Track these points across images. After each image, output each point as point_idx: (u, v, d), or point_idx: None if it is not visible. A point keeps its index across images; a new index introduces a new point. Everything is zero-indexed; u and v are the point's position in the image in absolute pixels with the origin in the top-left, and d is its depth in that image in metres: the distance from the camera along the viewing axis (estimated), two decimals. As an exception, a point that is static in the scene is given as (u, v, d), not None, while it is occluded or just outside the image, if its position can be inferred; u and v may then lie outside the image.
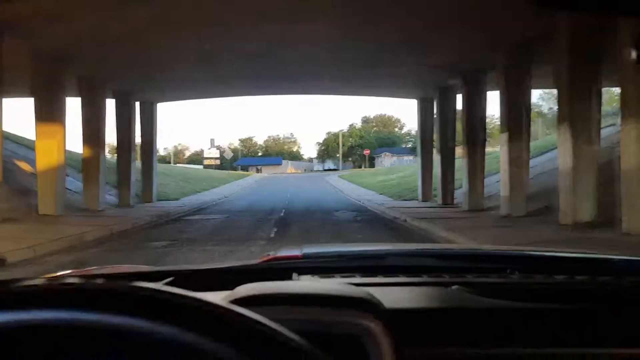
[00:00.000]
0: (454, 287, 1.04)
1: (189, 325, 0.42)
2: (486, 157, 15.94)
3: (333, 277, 1.17)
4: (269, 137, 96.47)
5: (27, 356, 0.42)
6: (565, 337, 0.84)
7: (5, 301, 0.43)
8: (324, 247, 1.56)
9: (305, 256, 1.35)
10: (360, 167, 69.10)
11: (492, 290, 1.00)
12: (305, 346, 0.44)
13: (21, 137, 20.54)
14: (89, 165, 15.96)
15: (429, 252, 1.58)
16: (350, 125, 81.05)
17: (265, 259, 1.36)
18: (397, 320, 0.78)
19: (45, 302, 0.42)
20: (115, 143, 19.85)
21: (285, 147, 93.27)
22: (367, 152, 69.35)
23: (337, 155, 76.73)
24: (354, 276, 1.16)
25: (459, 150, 17.30)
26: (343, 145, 75.52)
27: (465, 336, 0.84)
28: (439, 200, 17.81)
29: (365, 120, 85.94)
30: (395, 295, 0.94)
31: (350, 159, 77.12)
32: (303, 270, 1.20)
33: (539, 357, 0.82)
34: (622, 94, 9.66)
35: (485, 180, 15.71)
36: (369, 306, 0.79)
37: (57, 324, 0.41)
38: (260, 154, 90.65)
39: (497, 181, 14.44)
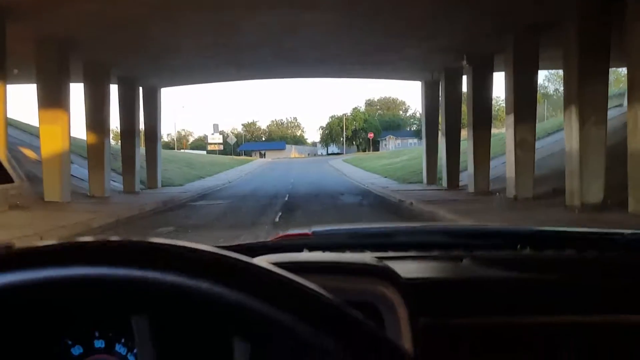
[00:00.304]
0: (465, 260, 1.04)
1: (232, 283, 0.41)
2: (491, 139, 15.84)
3: (344, 253, 1.16)
4: (272, 121, 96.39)
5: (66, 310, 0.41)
6: (575, 306, 0.85)
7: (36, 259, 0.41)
8: (333, 226, 1.55)
9: (315, 234, 1.34)
10: (364, 150, 68.97)
11: (503, 263, 1.00)
12: (342, 303, 0.43)
13: (25, 124, 20.56)
14: (93, 152, 15.94)
15: (439, 229, 1.58)
16: (354, 109, 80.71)
17: (276, 237, 1.36)
18: (412, 290, 0.79)
19: (85, 258, 0.41)
20: (118, 130, 19.83)
21: (289, 131, 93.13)
22: (371, 135, 69.09)
23: (341, 139, 76.55)
24: (364, 252, 1.15)
25: (464, 133, 17.21)
26: (347, 129, 75.29)
27: (477, 306, 0.85)
28: (444, 183, 17.75)
29: (369, 104, 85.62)
30: (408, 268, 0.94)
31: (354, 142, 76.94)
32: (313, 248, 1.19)
33: (549, 325, 0.83)
34: (630, 76, 9.56)
35: (491, 162, 15.64)
36: (387, 275, 0.80)
37: (107, 279, 0.40)
38: (263, 138, 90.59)
39: (503, 163, 14.37)
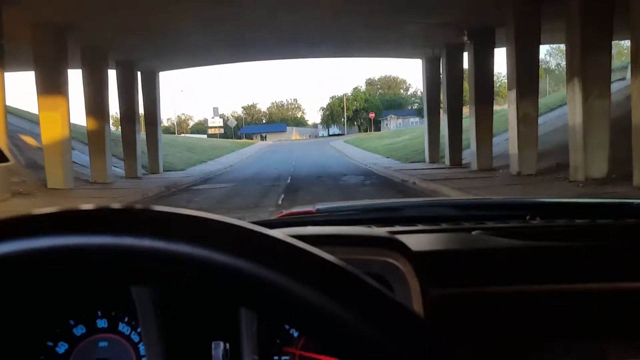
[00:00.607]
0: (474, 232, 1.01)
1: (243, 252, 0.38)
2: (494, 115, 15.73)
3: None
4: (273, 103, 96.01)
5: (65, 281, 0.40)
6: (587, 273, 0.83)
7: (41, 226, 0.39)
8: (338, 203, 1.53)
9: (320, 211, 1.32)
10: (365, 131, 68.76)
11: (513, 234, 0.98)
12: (358, 272, 0.40)
13: (25, 111, 20.49)
14: (94, 138, 15.90)
15: (446, 203, 1.56)
16: (354, 89, 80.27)
17: (279, 215, 1.34)
18: (423, 262, 0.78)
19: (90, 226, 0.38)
20: (118, 115, 19.74)
21: (289, 113, 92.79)
22: (372, 115, 68.79)
23: (342, 119, 76.26)
24: (370, 227, 1.12)
25: (466, 110, 17.10)
26: (347, 109, 74.97)
27: (489, 275, 0.83)
28: (446, 161, 17.70)
29: (370, 83, 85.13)
30: (417, 241, 0.91)
31: (355, 123, 76.66)
32: (318, 224, 1.15)
33: (562, 293, 0.82)
34: (634, 48, 9.44)
35: (494, 139, 15.56)
36: (397, 246, 0.79)
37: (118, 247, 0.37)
38: (264, 121, 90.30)
39: (506, 140, 14.30)
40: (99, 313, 0.78)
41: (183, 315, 0.72)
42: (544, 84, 34.83)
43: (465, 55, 16.46)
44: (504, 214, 1.29)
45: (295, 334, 0.76)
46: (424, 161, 19.66)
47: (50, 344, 0.76)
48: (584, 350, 0.73)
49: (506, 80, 15.53)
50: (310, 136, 76.55)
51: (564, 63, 13.46)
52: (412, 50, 19.51)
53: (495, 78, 23.72)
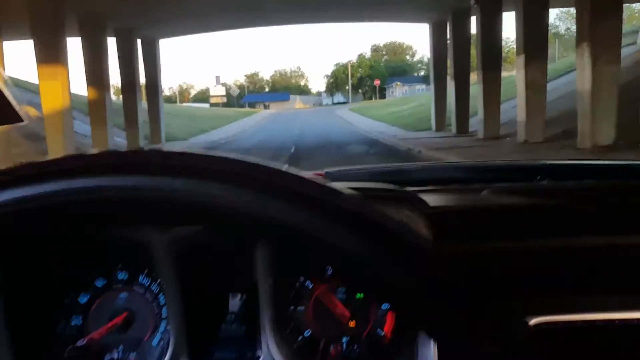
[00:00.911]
0: (484, 192, 1.02)
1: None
2: (502, 82, 15.42)
3: None
4: (276, 71, 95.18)
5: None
6: (598, 228, 0.82)
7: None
8: (347, 168, 1.56)
9: (328, 175, 1.34)
10: (370, 98, 68.14)
11: (522, 194, 0.99)
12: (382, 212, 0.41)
13: (25, 81, 20.31)
14: (95, 107, 15.77)
15: (456, 165, 1.58)
16: (359, 55, 79.25)
17: None
18: (437, 217, 0.79)
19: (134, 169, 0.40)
20: (119, 85, 19.53)
21: (293, 81, 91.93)
22: (377, 82, 67.94)
23: (347, 87, 75.48)
24: None
25: (474, 76, 16.78)
26: (352, 76, 74.08)
27: (498, 232, 0.83)
28: (453, 129, 17.47)
29: (375, 49, 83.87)
30: (428, 199, 0.91)
31: (360, 90, 75.88)
32: None
33: (571, 247, 0.80)
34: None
35: (502, 106, 15.31)
36: (414, 201, 0.80)
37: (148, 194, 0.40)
38: (267, 89, 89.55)
39: (514, 107, 14.06)
40: (120, 266, 0.80)
41: (201, 268, 0.74)
42: (553, 49, 34.18)
43: (473, 19, 16.05)
44: (514, 176, 1.30)
45: (310, 286, 0.78)
46: (431, 129, 19.44)
47: (72, 295, 0.78)
48: (592, 304, 0.70)
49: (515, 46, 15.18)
50: (314, 104, 75.94)
51: (574, 27, 13.13)
52: (418, 14, 19.07)
53: (504, 43, 23.23)
